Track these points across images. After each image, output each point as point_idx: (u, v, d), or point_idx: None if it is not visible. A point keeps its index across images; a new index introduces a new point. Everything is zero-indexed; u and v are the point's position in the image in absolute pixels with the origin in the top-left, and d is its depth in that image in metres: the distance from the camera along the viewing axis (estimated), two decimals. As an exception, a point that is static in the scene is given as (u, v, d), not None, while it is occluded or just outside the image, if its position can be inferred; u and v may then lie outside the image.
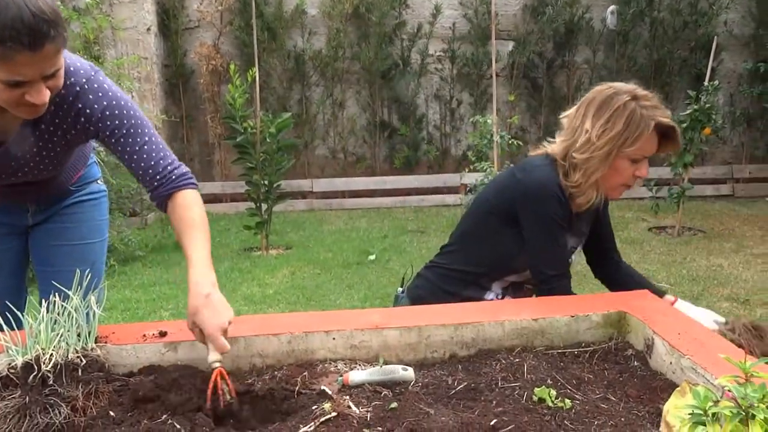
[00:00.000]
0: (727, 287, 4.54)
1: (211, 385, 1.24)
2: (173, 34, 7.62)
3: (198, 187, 1.65)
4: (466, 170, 6.73)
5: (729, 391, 0.62)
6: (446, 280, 1.91)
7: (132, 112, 1.57)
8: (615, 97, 1.75)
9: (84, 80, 1.53)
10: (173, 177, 1.58)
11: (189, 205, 1.58)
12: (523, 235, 1.82)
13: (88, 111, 1.53)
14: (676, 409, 0.72)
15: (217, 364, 1.27)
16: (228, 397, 1.25)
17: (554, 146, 1.87)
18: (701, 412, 0.63)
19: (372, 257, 5.48)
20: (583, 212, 1.90)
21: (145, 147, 1.56)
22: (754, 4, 8.12)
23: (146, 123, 1.60)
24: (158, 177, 1.57)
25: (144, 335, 1.45)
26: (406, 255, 5.46)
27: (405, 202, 7.91)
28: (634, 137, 1.71)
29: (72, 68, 1.51)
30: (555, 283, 1.81)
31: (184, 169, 1.62)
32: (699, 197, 7.83)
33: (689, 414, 0.64)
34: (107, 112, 1.54)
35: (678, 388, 0.78)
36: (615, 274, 2.06)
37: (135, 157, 1.56)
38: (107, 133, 1.55)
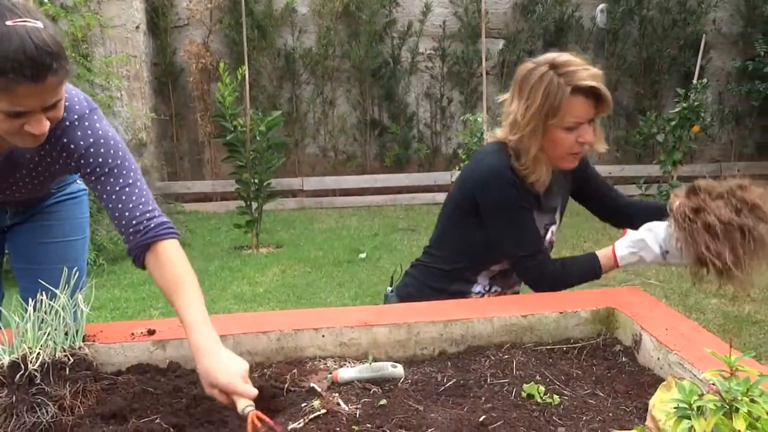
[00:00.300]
0: (715, 284, 4.56)
1: (250, 430, 1.13)
2: (162, 32, 7.59)
3: (179, 236, 1.52)
4: (457, 168, 6.75)
5: (713, 384, 0.63)
6: (432, 277, 1.90)
7: (120, 153, 1.51)
8: (533, 71, 1.71)
9: (76, 117, 1.49)
10: (152, 225, 1.45)
11: (173, 260, 1.46)
12: (485, 225, 1.80)
13: (72, 146, 1.49)
14: (662, 403, 0.73)
15: (249, 408, 1.17)
16: None
17: (499, 132, 1.84)
18: (686, 406, 0.63)
19: (363, 255, 5.48)
20: (552, 187, 1.86)
21: (127, 189, 1.47)
22: (743, 3, 8.17)
23: (133, 167, 1.52)
24: (135, 223, 1.44)
25: (132, 334, 1.45)
26: (397, 253, 5.46)
27: (396, 200, 7.91)
28: (555, 107, 1.66)
29: (68, 103, 1.46)
30: (528, 263, 1.77)
31: (165, 218, 1.49)
32: (688, 195, 7.87)
33: (674, 408, 0.64)
34: (91, 150, 1.48)
35: (664, 383, 0.79)
36: (625, 211, 2.05)
37: (114, 197, 1.47)
38: (88, 170, 1.49)
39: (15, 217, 1.87)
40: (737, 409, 0.59)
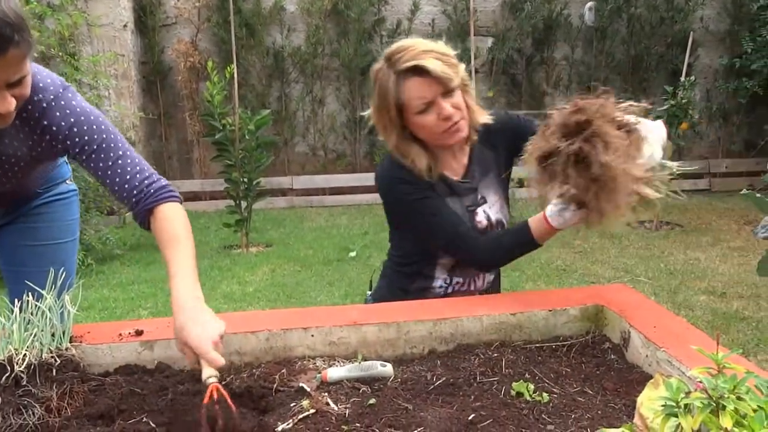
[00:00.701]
0: (704, 281, 4.60)
1: (206, 400, 1.15)
2: (150, 30, 7.55)
3: (181, 199, 1.56)
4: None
5: (700, 382, 0.63)
6: (397, 278, 1.87)
7: (103, 127, 1.50)
8: (374, 69, 1.66)
9: (51, 97, 1.46)
10: (152, 191, 1.49)
11: (171, 218, 1.49)
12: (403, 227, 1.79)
13: (54, 128, 1.46)
14: (650, 401, 0.73)
15: (212, 380, 1.18)
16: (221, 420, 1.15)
17: None
18: (674, 403, 0.63)
19: (353, 254, 5.47)
20: (471, 168, 1.78)
21: (120, 162, 1.48)
22: (729, 0, 8.22)
23: (119, 138, 1.52)
24: (136, 192, 1.48)
25: (120, 334, 1.43)
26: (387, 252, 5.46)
27: (385, 198, 7.90)
28: (392, 100, 1.60)
29: (41, 84, 1.45)
30: (454, 247, 1.72)
31: (164, 182, 1.53)
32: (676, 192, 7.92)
33: (662, 406, 0.64)
34: (75, 129, 1.47)
35: (651, 380, 0.79)
36: None
37: (109, 173, 1.48)
38: (77, 150, 1.48)
39: (2, 219, 1.85)
40: (724, 407, 0.59)
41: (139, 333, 1.44)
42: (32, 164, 1.59)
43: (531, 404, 1.22)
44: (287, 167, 8.11)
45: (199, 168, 8.06)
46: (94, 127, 1.49)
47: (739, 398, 0.62)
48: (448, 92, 1.60)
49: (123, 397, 1.27)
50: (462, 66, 1.66)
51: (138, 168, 1.50)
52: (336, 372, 1.34)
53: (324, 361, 1.42)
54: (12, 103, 1.30)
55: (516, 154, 1.77)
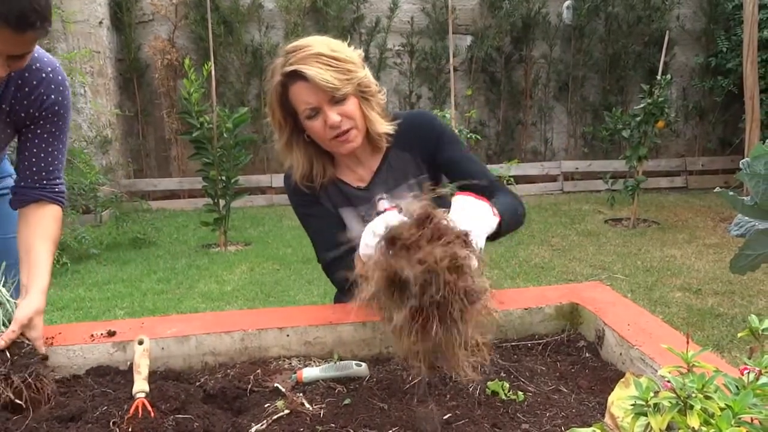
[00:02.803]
0: (680, 277, 4.65)
1: (131, 414, 1.16)
2: (126, 27, 7.47)
3: (64, 205, 1.71)
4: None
5: (668, 382, 0.63)
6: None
7: (68, 117, 1.64)
8: (271, 66, 1.57)
9: (50, 69, 1.57)
10: (53, 188, 1.64)
11: (56, 218, 1.64)
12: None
13: (45, 98, 1.56)
14: (620, 400, 0.73)
15: (141, 395, 1.20)
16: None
17: None
18: (643, 402, 0.64)
19: (332, 252, 5.45)
20: (378, 177, 1.68)
21: (53, 152, 1.62)
22: (705, 0, 8.31)
23: (67, 134, 1.67)
24: (41, 181, 1.62)
25: (92, 335, 1.41)
26: (367, 249, 5.45)
27: (365, 196, 7.89)
28: (277, 102, 1.55)
29: (37, 54, 1.55)
30: (323, 265, 1.70)
31: (65, 189, 1.69)
32: (654, 189, 8.02)
33: (632, 405, 0.64)
34: (55, 107, 1.58)
35: (622, 379, 0.80)
36: None
37: (41, 155, 1.61)
38: (39, 122, 1.59)
39: None
40: (692, 406, 0.59)
41: (111, 334, 1.42)
42: (5, 131, 1.65)
43: (506, 403, 1.22)
44: (266, 165, 8.07)
45: (177, 166, 7.99)
46: (63, 113, 1.62)
47: (707, 397, 0.63)
48: (335, 100, 1.51)
49: (94, 398, 1.25)
50: (364, 72, 1.56)
51: (60, 166, 1.66)
52: (311, 372, 1.33)
53: (299, 361, 1.41)
54: (5, 72, 1.40)
55: (434, 163, 1.68)
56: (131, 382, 1.31)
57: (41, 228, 1.58)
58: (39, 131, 1.60)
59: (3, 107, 1.56)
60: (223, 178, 5.51)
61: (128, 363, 1.38)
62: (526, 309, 1.50)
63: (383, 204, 1.66)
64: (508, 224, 1.41)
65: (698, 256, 5.21)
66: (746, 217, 1.67)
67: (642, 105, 5.89)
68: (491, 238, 1.34)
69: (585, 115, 8.55)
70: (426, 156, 1.67)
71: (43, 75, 1.55)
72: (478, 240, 1.18)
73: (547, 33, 8.20)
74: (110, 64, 7.35)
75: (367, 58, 7.89)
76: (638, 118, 5.90)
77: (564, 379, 1.32)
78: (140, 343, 1.31)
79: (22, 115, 1.58)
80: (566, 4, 8.13)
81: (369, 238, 1.18)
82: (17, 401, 1.20)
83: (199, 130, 5.33)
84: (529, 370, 1.35)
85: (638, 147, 5.94)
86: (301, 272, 4.97)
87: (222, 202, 5.60)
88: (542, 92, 8.44)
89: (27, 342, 1.31)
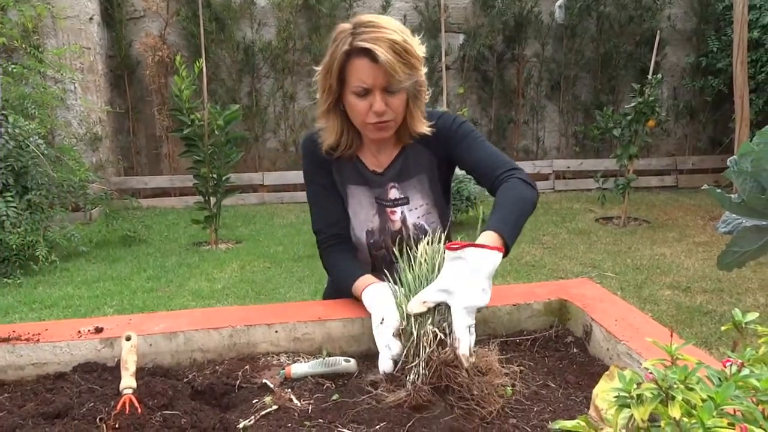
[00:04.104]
0: (669, 275, 4.67)
1: (118, 409, 1.15)
2: (117, 23, 7.43)
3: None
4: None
5: (650, 373, 0.63)
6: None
7: None
8: (337, 29, 1.56)
9: None
10: None
11: None
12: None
13: None
14: (604, 392, 0.74)
15: (128, 391, 1.20)
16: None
17: None
18: (626, 394, 0.64)
19: (323, 250, 5.45)
20: (396, 164, 1.70)
21: None
22: (696, 0, 8.35)
23: None
24: None
25: (79, 332, 1.41)
26: (358, 247, 5.45)
27: (357, 194, 7.89)
28: (338, 66, 1.52)
29: None
30: (317, 239, 1.72)
31: None
32: (644, 188, 8.06)
33: (615, 397, 0.65)
34: None
35: (606, 372, 0.80)
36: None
37: None
38: None
39: None
40: (673, 397, 0.59)
41: (98, 330, 1.41)
42: None
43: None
44: (258, 163, 8.05)
45: (168, 164, 7.96)
46: None
47: (690, 389, 0.63)
48: (390, 89, 1.52)
49: (81, 395, 1.25)
50: (424, 71, 1.58)
51: None
52: (300, 368, 1.33)
53: (288, 357, 1.41)
54: None
55: (451, 164, 1.74)
56: (118, 379, 1.30)
57: None
58: None
59: None
60: (214, 175, 5.49)
61: (116, 359, 1.37)
62: (514, 305, 1.51)
63: (394, 193, 1.70)
64: (516, 225, 1.44)
65: (688, 254, 5.24)
66: (734, 215, 1.68)
67: (633, 104, 5.91)
68: (504, 254, 1.37)
69: (576, 114, 8.57)
70: (443, 155, 1.70)
71: None
72: (474, 307, 1.24)
73: (539, 32, 8.22)
74: (101, 61, 7.31)
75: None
76: (629, 117, 5.93)
77: (552, 375, 1.32)
78: (128, 339, 1.31)
79: None
80: (558, 3, 8.15)
81: (385, 363, 1.26)
82: None
83: (190, 127, 5.31)
84: (517, 365, 1.35)
85: (629, 146, 5.96)
86: (291, 270, 4.96)
87: (213, 200, 5.58)
88: (534, 91, 8.46)
89: None
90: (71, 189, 5.48)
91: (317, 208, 1.73)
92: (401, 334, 1.27)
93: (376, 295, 1.40)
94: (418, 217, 1.71)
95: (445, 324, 1.22)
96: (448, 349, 1.18)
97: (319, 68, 1.59)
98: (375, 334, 1.32)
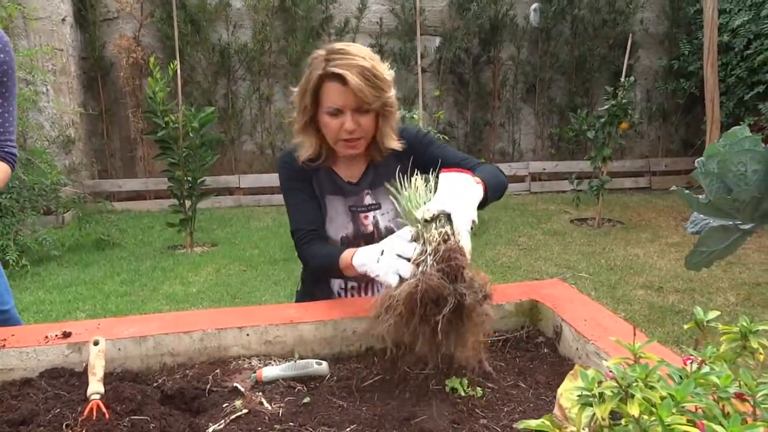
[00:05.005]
0: (642, 276, 4.73)
1: (85, 415, 1.14)
2: (90, 25, 7.35)
3: (14, 168, 1.86)
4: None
5: (610, 371, 0.64)
6: (307, 279, 1.93)
7: (14, 79, 1.77)
8: (312, 55, 1.72)
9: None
10: (3, 148, 1.79)
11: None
12: None
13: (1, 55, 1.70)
14: (567, 391, 0.74)
15: (95, 396, 1.18)
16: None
17: None
18: (588, 393, 0.64)
19: (300, 253, 5.43)
20: (368, 175, 1.83)
21: (4, 114, 1.77)
22: (668, 4, 8.48)
23: (15, 98, 1.81)
24: None
25: (46, 337, 1.39)
26: (335, 250, 5.44)
27: (334, 197, 7.87)
28: (312, 89, 1.67)
29: None
30: (295, 239, 1.79)
31: (15, 150, 1.84)
32: (618, 190, 8.15)
33: (578, 395, 0.65)
34: (4, 67, 1.72)
35: (571, 372, 0.81)
36: None
37: None
38: None
39: None
40: (632, 395, 0.60)
41: (66, 335, 1.39)
42: None
43: (465, 399, 1.23)
44: (234, 166, 8.01)
45: (143, 166, 7.88)
46: (12, 75, 1.77)
47: (650, 387, 0.64)
48: (360, 109, 1.66)
49: (47, 401, 1.23)
50: (392, 93, 1.72)
51: (11, 129, 1.80)
52: (271, 371, 1.32)
53: (260, 360, 1.40)
54: None
55: (419, 166, 1.77)
56: (86, 384, 1.28)
57: None
58: None
59: None
60: (189, 178, 5.45)
61: (84, 365, 1.35)
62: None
63: (368, 199, 1.84)
64: (494, 189, 1.56)
65: (660, 254, 5.30)
66: (701, 215, 1.70)
67: (606, 107, 5.98)
68: (481, 205, 1.45)
69: (552, 116, 8.65)
70: (411, 162, 1.77)
71: None
72: (470, 218, 1.33)
73: (514, 35, 8.28)
74: (74, 62, 7.21)
75: (335, 59, 7.89)
76: (602, 120, 5.99)
77: (523, 375, 1.33)
78: (95, 344, 1.29)
79: None
80: (533, 6, 8.22)
81: (391, 277, 1.30)
82: None
83: (164, 129, 5.27)
84: (489, 365, 1.36)
85: (603, 148, 6.03)
86: (267, 273, 4.94)
87: (188, 203, 5.53)
88: (510, 93, 8.52)
89: None
90: (43, 192, 5.40)
91: (295, 210, 1.81)
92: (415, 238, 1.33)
93: (368, 247, 1.47)
94: (389, 221, 1.84)
95: (443, 230, 1.29)
96: (451, 241, 1.27)
97: (296, 89, 1.75)
98: (378, 261, 1.36)
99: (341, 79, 1.62)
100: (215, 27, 7.65)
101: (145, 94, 5.48)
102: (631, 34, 6.81)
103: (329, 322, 1.44)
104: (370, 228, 1.83)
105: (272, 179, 7.91)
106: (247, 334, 1.42)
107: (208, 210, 7.10)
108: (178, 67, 5.41)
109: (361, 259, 1.46)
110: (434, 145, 1.85)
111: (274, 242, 5.86)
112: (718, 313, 0.86)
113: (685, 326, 0.87)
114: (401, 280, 1.27)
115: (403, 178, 1.47)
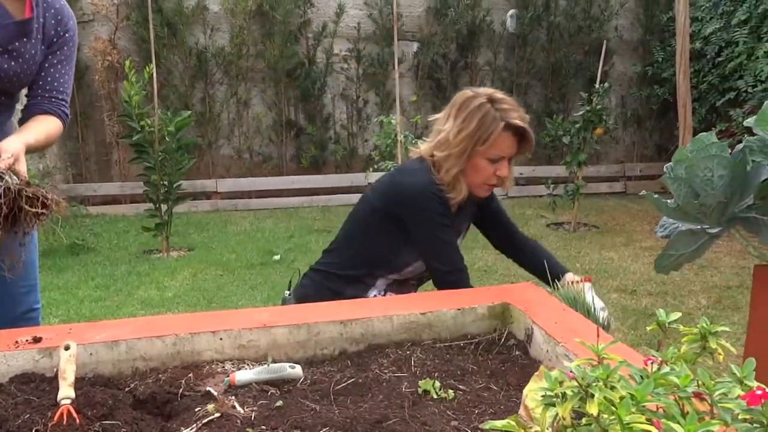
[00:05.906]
0: (616, 279, 4.79)
1: (56, 421, 1.13)
2: (65, 27, 7.26)
3: (65, 125, 1.96)
4: (371, 170, 6.79)
5: (570, 372, 0.66)
6: (331, 280, 1.94)
7: (75, 47, 1.94)
8: (473, 99, 1.86)
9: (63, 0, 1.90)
10: (60, 105, 1.91)
11: (50, 120, 1.88)
12: (412, 239, 1.89)
13: (66, 20, 1.87)
14: (532, 392, 0.76)
15: (66, 401, 1.17)
16: None
17: (423, 147, 1.94)
18: (552, 393, 0.66)
19: (277, 257, 5.42)
20: (460, 210, 1.98)
21: (66, 76, 1.91)
22: (642, 11, 8.61)
23: (74, 65, 1.96)
24: (52, 99, 1.88)
25: (16, 342, 1.37)
26: (312, 254, 5.43)
27: (312, 201, 7.88)
28: (486, 136, 1.80)
29: None
30: (449, 278, 1.88)
31: (68, 110, 1.95)
32: (594, 194, 8.24)
33: (542, 396, 0.67)
34: (72, 33, 1.90)
35: (536, 373, 0.82)
36: (522, 255, 2.26)
37: (56, 76, 1.87)
38: (58, 46, 1.86)
39: None
40: (592, 395, 0.62)
41: (37, 340, 1.38)
42: (34, 54, 1.85)
43: (437, 401, 1.24)
44: (212, 170, 7.96)
45: (118, 170, 7.81)
46: (75, 39, 1.95)
47: (611, 386, 0.65)
48: (512, 158, 1.88)
49: (17, 406, 1.22)
50: None
51: (67, 88, 1.94)
52: (244, 375, 1.32)
53: (233, 364, 1.40)
54: None
55: (477, 221, 2.19)
56: (57, 390, 1.28)
57: (43, 122, 1.83)
58: (57, 53, 1.86)
59: (39, 21, 1.81)
60: (165, 182, 5.41)
61: (54, 370, 1.34)
62: (459, 309, 1.53)
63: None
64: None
65: (634, 258, 5.37)
66: (670, 219, 1.74)
67: (581, 112, 6.06)
68: None
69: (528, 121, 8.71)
70: (484, 208, 2.13)
71: (63, 1, 1.89)
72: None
73: (491, 41, 8.35)
74: (48, 66, 7.12)
75: (313, 63, 7.90)
76: (578, 125, 6.06)
77: (494, 377, 1.35)
78: (66, 348, 1.28)
79: (52, 32, 1.85)
80: (510, 13, 8.30)
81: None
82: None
83: (140, 133, 5.23)
84: (461, 368, 1.37)
85: (578, 153, 6.10)
86: (244, 278, 4.92)
87: (164, 207, 5.49)
88: (487, 99, 8.57)
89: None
90: (16, 196, 5.30)
91: (453, 248, 1.94)
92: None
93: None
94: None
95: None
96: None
97: (435, 117, 1.95)
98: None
99: (520, 132, 1.80)
100: (192, 30, 7.61)
101: (121, 98, 5.44)
102: (605, 41, 6.91)
103: (303, 326, 1.45)
104: None
105: (250, 183, 7.89)
106: (221, 339, 1.42)
107: (184, 214, 7.05)
108: (154, 70, 5.37)
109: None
110: (496, 201, 2.13)
111: (251, 247, 5.84)
112: (680, 314, 0.89)
113: (648, 328, 0.89)
114: None
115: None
